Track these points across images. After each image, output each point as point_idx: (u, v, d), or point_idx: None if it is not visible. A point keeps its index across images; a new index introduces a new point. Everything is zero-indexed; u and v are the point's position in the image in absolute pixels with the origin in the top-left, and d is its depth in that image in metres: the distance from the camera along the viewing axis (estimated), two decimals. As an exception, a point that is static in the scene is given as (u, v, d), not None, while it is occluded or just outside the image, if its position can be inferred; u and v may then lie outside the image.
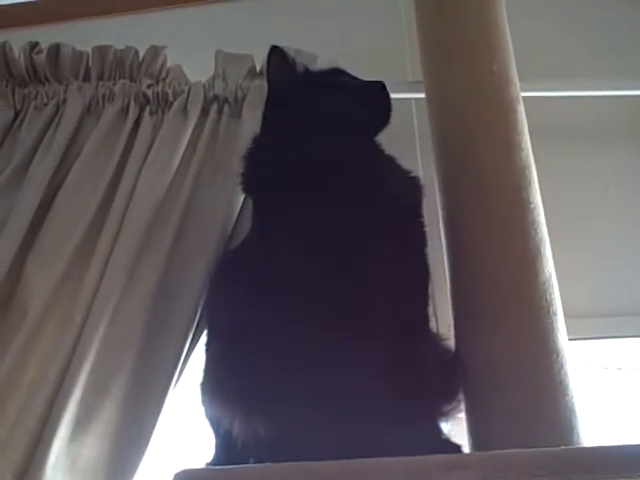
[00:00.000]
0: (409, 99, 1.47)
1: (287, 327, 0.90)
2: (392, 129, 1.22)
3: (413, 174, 1.10)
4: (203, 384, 0.98)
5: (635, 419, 1.37)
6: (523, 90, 1.23)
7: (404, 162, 1.12)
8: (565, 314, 1.05)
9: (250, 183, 1.13)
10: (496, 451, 0.85)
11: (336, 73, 1.21)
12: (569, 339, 1.04)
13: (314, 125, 1.09)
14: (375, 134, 1.17)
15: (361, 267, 0.95)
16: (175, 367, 1.15)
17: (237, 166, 1.14)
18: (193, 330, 1.18)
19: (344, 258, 0.95)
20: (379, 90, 1.20)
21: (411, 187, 1.09)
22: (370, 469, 0.78)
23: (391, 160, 1.12)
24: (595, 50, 1.61)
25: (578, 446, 0.93)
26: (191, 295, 1.19)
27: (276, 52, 1.17)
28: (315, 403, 0.87)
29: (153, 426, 1.11)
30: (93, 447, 1.09)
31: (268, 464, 0.83)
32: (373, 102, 1.18)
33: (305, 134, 1.07)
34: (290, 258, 0.95)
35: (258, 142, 1.15)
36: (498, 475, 0.77)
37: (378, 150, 1.14)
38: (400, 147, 1.17)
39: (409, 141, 1.46)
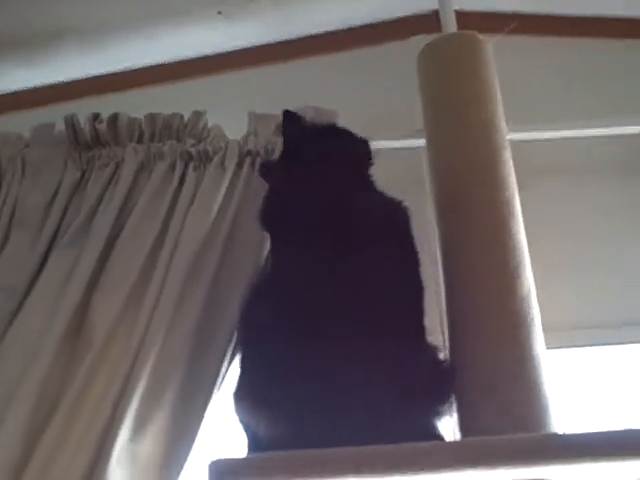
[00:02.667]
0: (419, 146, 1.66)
1: (302, 343, 1.07)
2: (404, 169, 1.42)
3: (401, 202, 1.28)
4: (235, 393, 1.16)
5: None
6: (512, 131, 1.43)
7: (414, 197, 1.30)
8: (544, 326, 1.21)
9: (267, 220, 1.32)
10: (472, 438, 1.04)
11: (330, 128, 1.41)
12: (548, 348, 1.21)
13: (316, 172, 1.28)
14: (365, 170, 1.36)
15: (362, 288, 1.12)
16: (215, 381, 1.35)
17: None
18: (230, 351, 1.38)
19: (347, 282, 1.12)
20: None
21: (399, 213, 1.26)
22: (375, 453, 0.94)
23: (379, 192, 1.31)
24: (579, 93, 1.81)
25: (551, 433, 1.09)
26: (228, 322, 1.38)
27: (288, 116, 1.38)
28: (327, 407, 1.03)
29: (197, 428, 1.31)
30: (148, 446, 1.29)
31: (290, 452, 0.97)
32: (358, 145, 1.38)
33: (310, 180, 1.27)
34: (303, 285, 1.13)
35: (274, 187, 1.34)
36: (473, 457, 0.92)
37: (369, 183, 1.33)
38: (410, 185, 1.38)
39: (419, 180, 1.63)
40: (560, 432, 1.09)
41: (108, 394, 1.30)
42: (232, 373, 1.36)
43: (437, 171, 1.43)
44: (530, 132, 1.62)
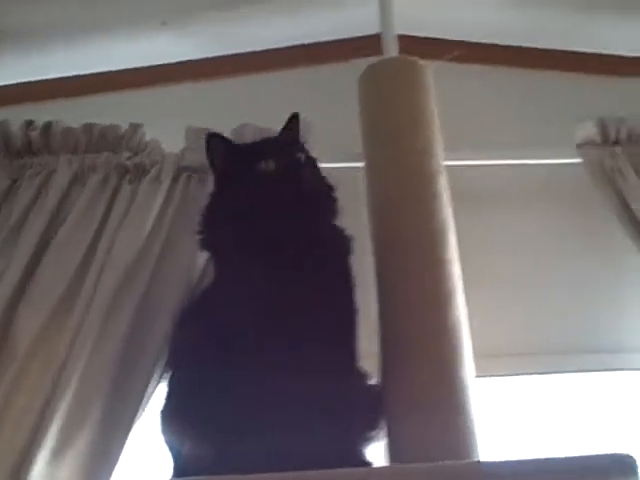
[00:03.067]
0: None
1: (232, 366, 1.07)
2: (343, 190, 1.42)
3: (345, 232, 1.29)
4: (162, 412, 1.16)
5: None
6: (448, 159, 1.44)
7: (351, 217, 1.32)
8: (476, 353, 1.23)
9: (206, 241, 1.30)
10: (399, 464, 1.05)
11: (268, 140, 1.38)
12: (479, 376, 1.23)
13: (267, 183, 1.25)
14: None
15: (296, 313, 1.12)
16: (140, 402, 1.32)
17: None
18: (158, 371, 1.35)
19: (282, 306, 1.12)
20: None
21: (343, 242, 1.27)
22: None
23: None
24: (511, 123, 1.87)
25: (474, 461, 1.10)
26: (158, 340, 1.36)
27: (213, 137, 1.34)
28: (253, 430, 1.02)
29: (120, 451, 1.28)
30: (67, 470, 1.26)
31: (213, 477, 0.99)
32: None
33: (258, 191, 1.24)
34: (239, 306, 1.13)
35: (211, 206, 1.32)
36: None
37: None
38: (349, 205, 1.36)
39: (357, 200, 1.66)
40: (484, 459, 1.11)
41: (28, 414, 1.27)
42: (158, 394, 1.33)
43: (373, 195, 1.43)
44: (466, 160, 1.65)
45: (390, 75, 1.52)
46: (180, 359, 1.19)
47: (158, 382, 1.35)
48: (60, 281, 1.41)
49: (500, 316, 1.57)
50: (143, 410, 1.33)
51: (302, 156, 1.30)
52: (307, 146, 1.38)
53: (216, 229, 1.29)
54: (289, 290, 1.14)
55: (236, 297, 1.15)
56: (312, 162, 1.34)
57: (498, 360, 1.54)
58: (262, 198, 1.23)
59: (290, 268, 1.16)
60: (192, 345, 1.15)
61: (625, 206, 1.61)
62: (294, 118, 1.40)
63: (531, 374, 1.64)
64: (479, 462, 1.08)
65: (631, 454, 0.95)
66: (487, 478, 0.96)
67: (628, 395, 1.64)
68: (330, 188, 1.33)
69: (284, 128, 1.39)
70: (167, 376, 1.21)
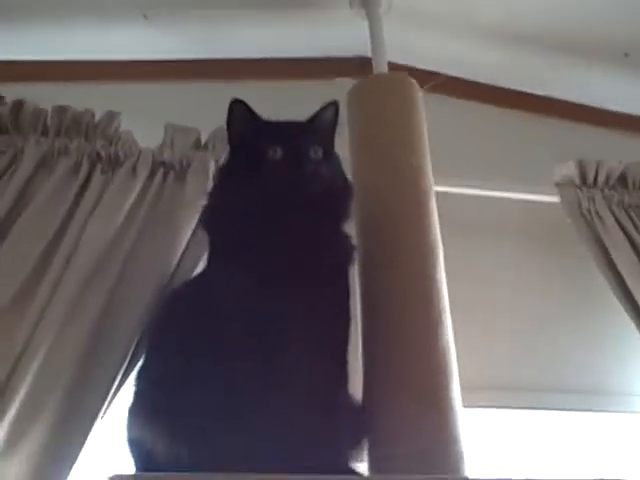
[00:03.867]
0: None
1: (218, 361, 0.99)
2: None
3: (349, 239, 1.23)
4: (132, 408, 1.06)
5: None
6: (437, 185, 1.41)
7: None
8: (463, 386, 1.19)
9: (207, 222, 1.24)
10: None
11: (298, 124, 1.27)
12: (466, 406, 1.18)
13: (269, 173, 1.17)
14: None
15: (295, 317, 1.05)
16: (105, 397, 1.24)
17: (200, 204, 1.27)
18: (125, 365, 1.27)
19: (280, 307, 1.04)
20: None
21: (348, 248, 1.21)
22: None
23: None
24: (494, 158, 1.89)
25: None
26: (126, 332, 1.29)
27: (237, 103, 1.24)
28: (231, 429, 0.95)
29: (79, 450, 1.19)
30: (20, 465, 1.16)
31: (198, 473, 0.92)
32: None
33: (260, 181, 1.16)
34: (231, 298, 1.04)
35: (219, 186, 1.26)
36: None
37: None
38: None
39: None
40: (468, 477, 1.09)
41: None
42: (121, 393, 1.26)
43: (362, 212, 1.38)
44: (450, 187, 1.64)
45: (380, 90, 1.50)
46: (159, 348, 1.10)
47: (122, 381, 1.27)
48: (22, 267, 1.32)
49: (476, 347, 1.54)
50: (105, 409, 1.24)
51: (318, 150, 1.21)
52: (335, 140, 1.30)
53: (217, 211, 1.22)
54: (279, 293, 1.06)
55: (227, 289, 1.07)
56: (332, 158, 1.26)
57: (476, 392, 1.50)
58: (264, 188, 1.16)
59: (284, 271, 1.08)
60: (174, 336, 1.06)
61: (602, 248, 1.64)
62: (331, 105, 1.29)
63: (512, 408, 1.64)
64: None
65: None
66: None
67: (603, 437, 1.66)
68: (347, 190, 1.27)
69: (314, 115, 1.28)
70: (137, 370, 1.13)
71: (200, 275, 1.22)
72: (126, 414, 1.08)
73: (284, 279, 1.07)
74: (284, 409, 0.98)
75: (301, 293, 1.07)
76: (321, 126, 1.28)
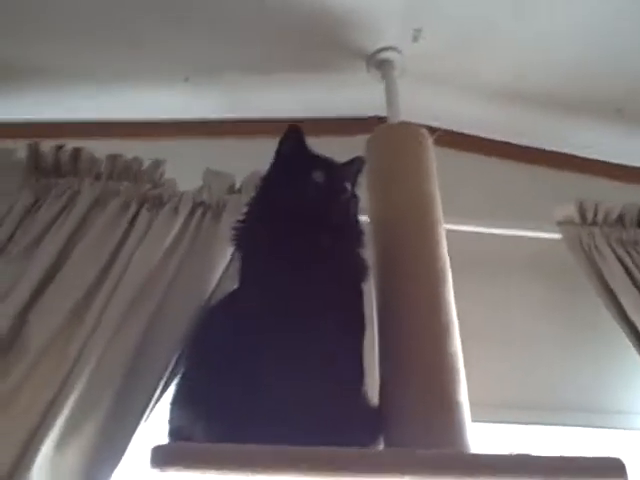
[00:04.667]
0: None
1: (252, 363, 1.13)
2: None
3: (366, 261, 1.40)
4: (173, 400, 1.23)
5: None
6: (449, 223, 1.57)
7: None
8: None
9: (240, 240, 1.41)
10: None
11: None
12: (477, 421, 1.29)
13: (311, 191, 1.36)
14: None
15: (323, 318, 1.20)
16: (147, 404, 1.37)
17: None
18: (165, 378, 1.41)
19: (309, 309, 1.19)
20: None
21: (364, 265, 1.38)
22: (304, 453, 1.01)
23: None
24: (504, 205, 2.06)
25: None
26: (166, 349, 1.43)
27: (295, 128, 1.45)
28: (267, 416, 1.08)
29: (125, 447, 1.32)
30: (73, 458, 1.29)
31: (230, 445, 1.01)
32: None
33: (302, 194, 1.35)
34: (264, 309, 1.20)
35: (252, 207, 1.44)
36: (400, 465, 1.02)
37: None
38: None
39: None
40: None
41: (38, 402, 1.31)
42: (163, 402, 1.39)
43: (378, 242, 1.53)
44: (459, 225, 1.79)
45: (397, 137, 1.69)
46: (196, 351, 1.27)
47: (164, 389, 1.40)
48: (75, 291, 1.48)
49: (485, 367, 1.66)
50: (149, 414, 1.38)
51: (349, 186, 1.42)
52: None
53: (253, 224, 1.40)
54: (307, 299, 1.21)
55: (258, 298, 1.23)
56: (355, 198, 1.46)
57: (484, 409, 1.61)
58: (304, 201, 1.35)
59: (311, 279, 1.24)
60: (210, 340, 1.23)
61: (602, 280, 1.77)
62: (358, 159, 1.52)
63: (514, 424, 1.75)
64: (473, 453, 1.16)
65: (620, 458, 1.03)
66: (482, 469, 1.03)
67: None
68: (361, 228, 1.45)
69: (347, 161, 1.49)
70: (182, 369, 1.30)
71: (233, 291, 1.36)
72: (168, 407, 1.23)
73: (311, 287, 1.23)
74: (310, 396, 1.10)
75: (325, 300, 1.23)
76: (351, 170, 1.49)
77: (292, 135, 1.44)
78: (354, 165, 1.50)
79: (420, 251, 1.46)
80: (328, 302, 1.23)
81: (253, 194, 1.49)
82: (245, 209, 1.46)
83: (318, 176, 1.37)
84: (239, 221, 1.43)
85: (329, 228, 1.33)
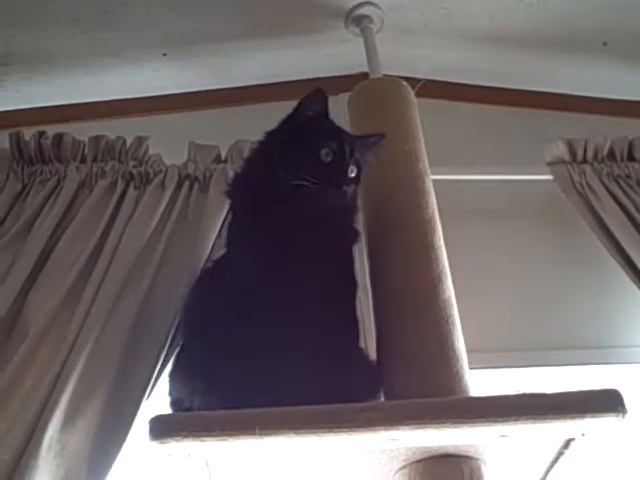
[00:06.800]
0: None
1: (247, 329, 1.13)
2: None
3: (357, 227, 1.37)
4: (172, 373, 1.25)
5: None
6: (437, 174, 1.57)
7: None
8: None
9: (235, 194, 1.37)
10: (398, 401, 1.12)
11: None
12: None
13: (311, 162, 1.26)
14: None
15: (317, 282, 1.19)
16: (149, 380, 1.39)
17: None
18: (165, 352, 1.42)
19: (304, 273, 1.18)
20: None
21: (354, 231, 1.36)
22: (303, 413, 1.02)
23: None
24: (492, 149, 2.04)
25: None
26: (163, 324, 1.45)
27: (320, 92, 1.30)
28: (265, 384, 1.07)
29: (129, 425, 1.34)
30: (79, 437, 1.31)
31: (228, 410, 1.01)
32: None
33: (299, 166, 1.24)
34: (254, 275, 1.19)
35: (252, 160, 1.38)
36: (398, 417, 1.01)
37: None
38: None
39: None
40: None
41: (40, 385, 1.33)
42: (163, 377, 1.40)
43: (368, 195, 1.53)
44: (448, 175, 1.79)
45: (378, 92, 1.68)
46: (192, 321, 1.28)
47: (163, 366, 1.42)
48: (70, 271, 1.49)
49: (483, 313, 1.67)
50: (150, 390, 1.40)
51: (355, 171, 1.32)
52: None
53: (249, 186, 1.33)
54: (300, 261, 1.20)
55: (252, 261, 1.22)
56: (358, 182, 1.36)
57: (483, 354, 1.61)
58: (303, 187, 1.24)
59: (304, 243, 1.21)
60: (206, 307, 1.24)
61: (596, 216, 1.76)
62: (380, 136, 1.41)
63: (513, 367, 1.75)
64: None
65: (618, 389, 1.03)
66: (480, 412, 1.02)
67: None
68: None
69: (366, 136, 1.40)
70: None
71: (225, 254, 1.36)
72: (167, 380, 1.25)
73: (304, 250, 1.21)
74: (306, 358, 1.11)
75: (317, 262, 1.21)
76: (366, 146, 1.38)
77: (315, 99, 1.31)
78: (370, 141, 1.39)
79: (408, 202, 1.47)
80: (320, 265, 1.22)
81: (255, 145, 1.38)
82: (243, 162, 1.43)
83: (326, 154, 1.26)
84: (236, 174, 1.41)
85: (324, 206, 1.27)
